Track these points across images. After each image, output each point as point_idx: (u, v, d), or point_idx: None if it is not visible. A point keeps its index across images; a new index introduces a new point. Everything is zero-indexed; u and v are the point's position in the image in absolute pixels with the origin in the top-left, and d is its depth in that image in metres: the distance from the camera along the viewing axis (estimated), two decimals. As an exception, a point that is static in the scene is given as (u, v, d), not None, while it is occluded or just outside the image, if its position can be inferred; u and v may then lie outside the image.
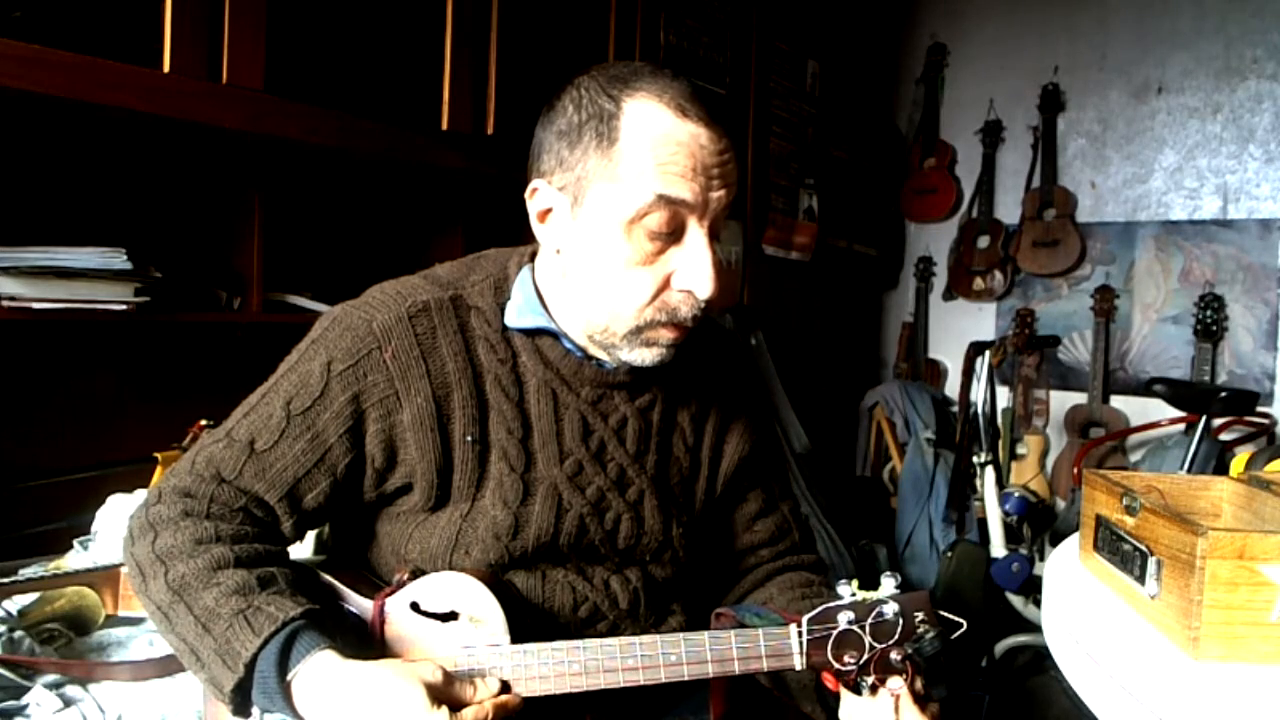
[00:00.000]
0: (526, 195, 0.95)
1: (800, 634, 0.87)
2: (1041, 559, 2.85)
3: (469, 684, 0.82)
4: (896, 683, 0.87)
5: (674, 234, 0.88)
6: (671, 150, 0.86)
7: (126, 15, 1.37)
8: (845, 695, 0.92)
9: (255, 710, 0.81)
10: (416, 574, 0.90)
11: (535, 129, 0.94)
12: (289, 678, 0.79)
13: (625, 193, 0.86)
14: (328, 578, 0.94)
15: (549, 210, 0.93)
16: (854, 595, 0.88)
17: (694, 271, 0.89)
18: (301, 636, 0.79)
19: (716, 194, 0.88)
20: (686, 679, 0.86)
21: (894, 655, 0.87)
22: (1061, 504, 3.50)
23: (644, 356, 0.93)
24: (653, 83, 0.87)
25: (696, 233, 0.89)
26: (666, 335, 0.92)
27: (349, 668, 0.79)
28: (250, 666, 0.78)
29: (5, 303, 1.35)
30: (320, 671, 0.79)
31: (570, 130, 0.89)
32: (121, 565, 1.04)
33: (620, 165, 0.86)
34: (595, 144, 0.87)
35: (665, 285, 0.90)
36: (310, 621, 0.81)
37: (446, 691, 0.79)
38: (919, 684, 0.88)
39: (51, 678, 1.05)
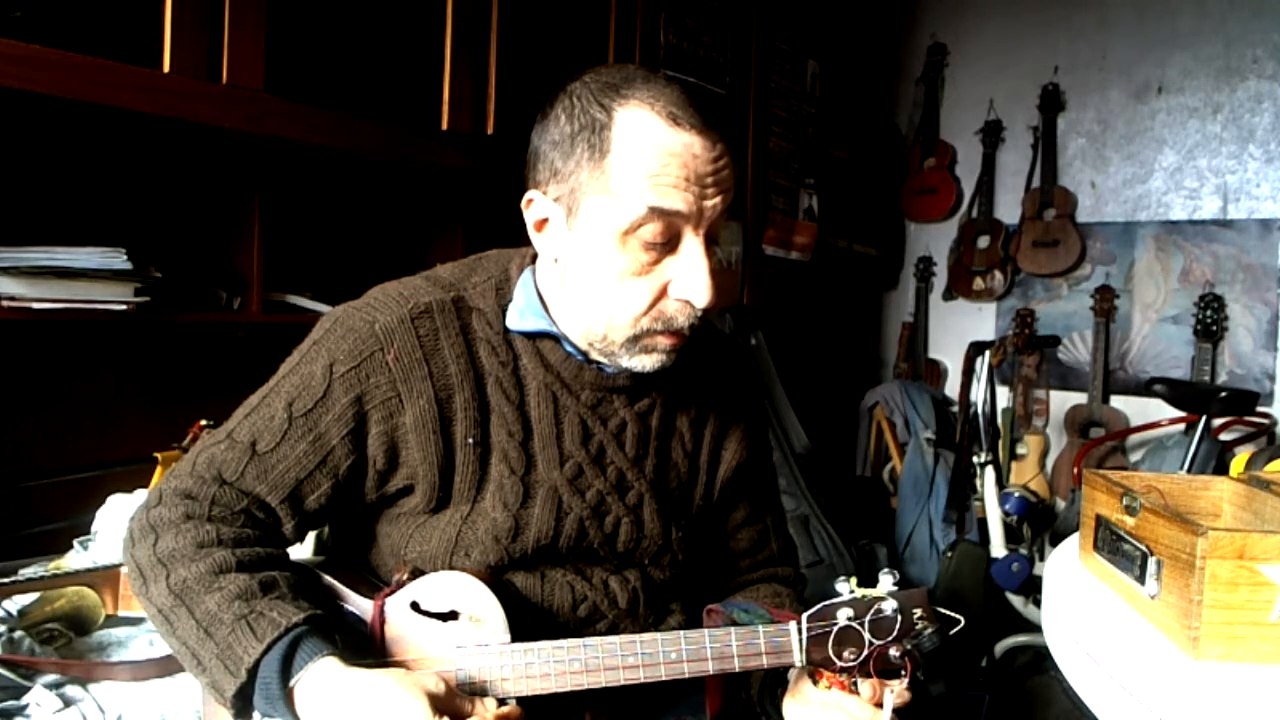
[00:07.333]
0: (523, 205, 0.95)
1: (800, 631, 0.87)
2: (1041, 559, 2.85)
3: (469, 696, 0.82)
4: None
5: (669, 244, 0.88)
6: (664, 161, 0.85)
7: (126, 15, 1.37)
8: (801, 693, 0.93)
9: (256, 715, 0.81)
10: (416, 574, 0.90)
11: (531, 137, 0.94)
12: (291, 684, 0.79)
13: (618, 205, 0.86)
14: (328, 579, 0.94)
15: (545, 220, 0.93)
16: (852, 592, 0.89)
17: (691, 281, 0.89)
18: (304, 643, 0.79)
19: (711, 202, 0.88)
20: (687, 676, 0.86)
21: (893, 652, 0.87)
22: (1061, 504, 3.50)
23: (644, 363, 0.93)
24: (645, 90, 0.87)
25: (692, 242, 0.88)
26: (664, 342, 0.92)
27: (352, 676, 0.79)
28: (253, 672, 0.78)
29: (5, 303, 1.35)
30: (323, 679, 0.78)
31: (563, 140, 0.89)
32: (121, 565, 1.04)
33: (612, 177, 0.86)
34: (588, 155, 0.87)
35: (662, 294, 0.90)
36: (313, 628, 0.81)
37: (448, 702, 0.79)
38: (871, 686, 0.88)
39: (51, 678, 1.05)
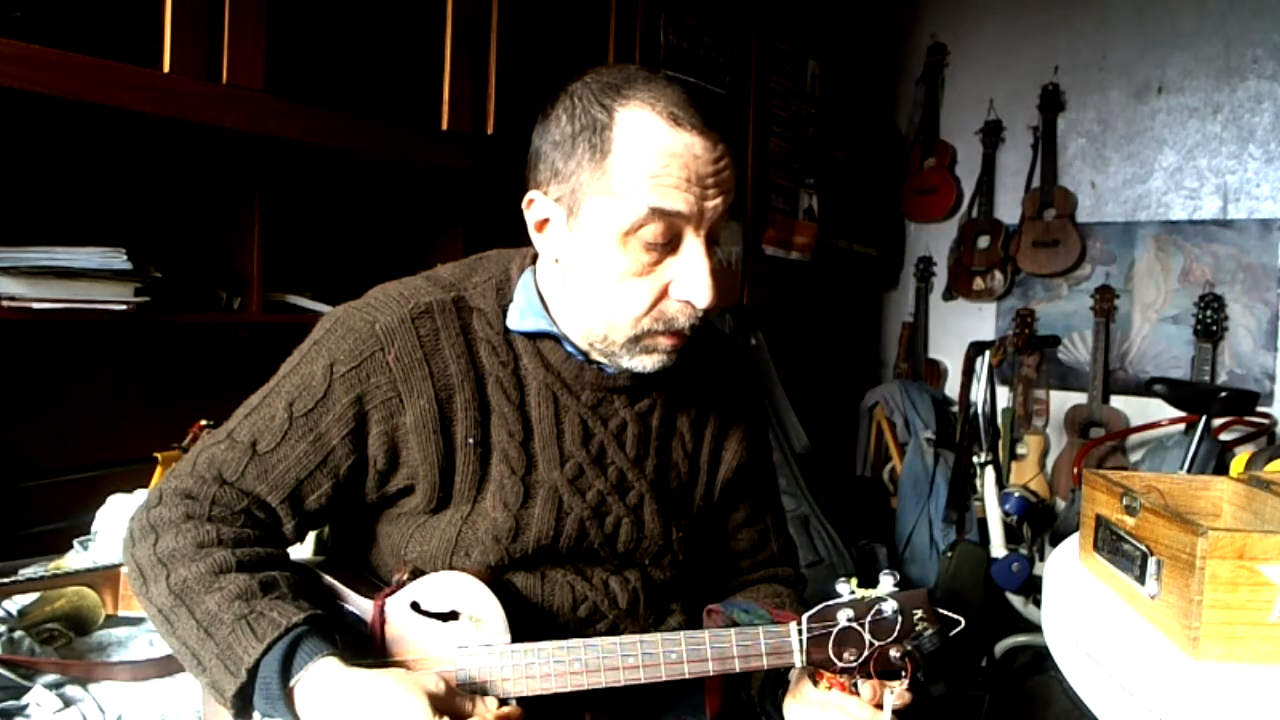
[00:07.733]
0: (524, 205, 0.95)
1: (801, 631, 0.87)
2: (1041, 559, 2.85)
3: (470, 695, 0.82)
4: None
5: (670, 244, 0.88)
6: (664, 162, 0.85)
7: (126, 15, 1.37)
8: (802, 694, 0.93)
9: (256, 715, 0.81)
10: (416, 574, 0.90)
11: (531, 137, 0.94)
12: (291, 684, 0.78)
13: (619, 206, 0.86)
14: (328, 579, 0.94)
15: (546, 220, 0.93)
16: (853, 593, 0.89)
17: (691, 282, 0.89)
18: (305, 643, 0.79)
19: (712, 203, 0.88)
20: (687, 677, 0.86)
21: (893, 653, 0.87)
22: (1061, 504, 3.50)
23: (644, 363, 0.93)
24: (646, 90, 0.86)
25: (693, 242, 0.88)
26: (665, 343, 0.92)
27: (352, 676, 0.79)
28: (253, 672, 0.78)
29: (5, 303, 1.35)
30: (323, 679, 0.78)
31: (564, 141, 0.89)
32: (121, 565, 1.04)
33: (613, 178, 0.86)
34: (589, 156, 0.87)
35: (663, 295, 0.90)
36: (313, 627, 0.81)
37: (449, 702, 0.79)
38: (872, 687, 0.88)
39: (51, 678, 1.05)
